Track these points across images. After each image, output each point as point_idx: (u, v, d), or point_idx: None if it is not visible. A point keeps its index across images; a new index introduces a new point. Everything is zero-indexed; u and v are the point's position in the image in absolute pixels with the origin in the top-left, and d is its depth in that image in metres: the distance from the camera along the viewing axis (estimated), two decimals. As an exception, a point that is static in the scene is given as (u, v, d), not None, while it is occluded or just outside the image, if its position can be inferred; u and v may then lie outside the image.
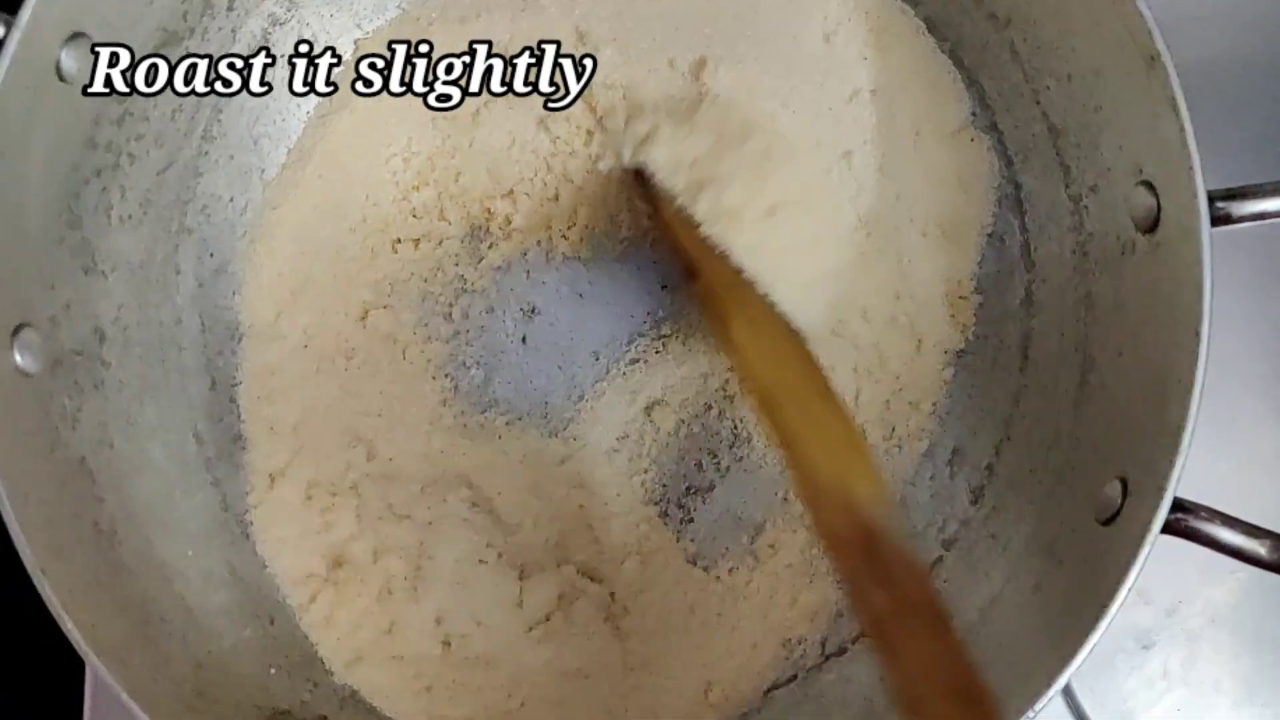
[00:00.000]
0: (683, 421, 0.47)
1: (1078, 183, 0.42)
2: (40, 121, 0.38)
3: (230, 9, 0.44)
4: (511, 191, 0.47)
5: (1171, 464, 0.34)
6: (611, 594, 0.45)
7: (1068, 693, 0.49)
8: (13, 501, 0.35)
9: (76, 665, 0.46)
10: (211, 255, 0.46)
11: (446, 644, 0.44)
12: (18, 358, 0.37)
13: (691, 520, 0.46)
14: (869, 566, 0.33)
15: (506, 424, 0.47)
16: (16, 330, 0.37)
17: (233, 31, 0.45)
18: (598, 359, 0.47)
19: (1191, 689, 0.49)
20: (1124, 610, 0.49)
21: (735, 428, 0.47)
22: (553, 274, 0.48)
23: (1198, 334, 0.35)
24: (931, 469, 0.46)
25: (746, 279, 0.42)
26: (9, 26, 0.36)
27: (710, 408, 0.47)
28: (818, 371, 0.39)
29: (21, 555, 0.35)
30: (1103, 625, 0.34)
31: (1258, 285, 0.47)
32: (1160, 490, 0.35)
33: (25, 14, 0.36)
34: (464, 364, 0.48)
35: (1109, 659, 0.50)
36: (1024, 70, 0.43)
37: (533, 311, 0.48)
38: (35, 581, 0.35)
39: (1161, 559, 0.50)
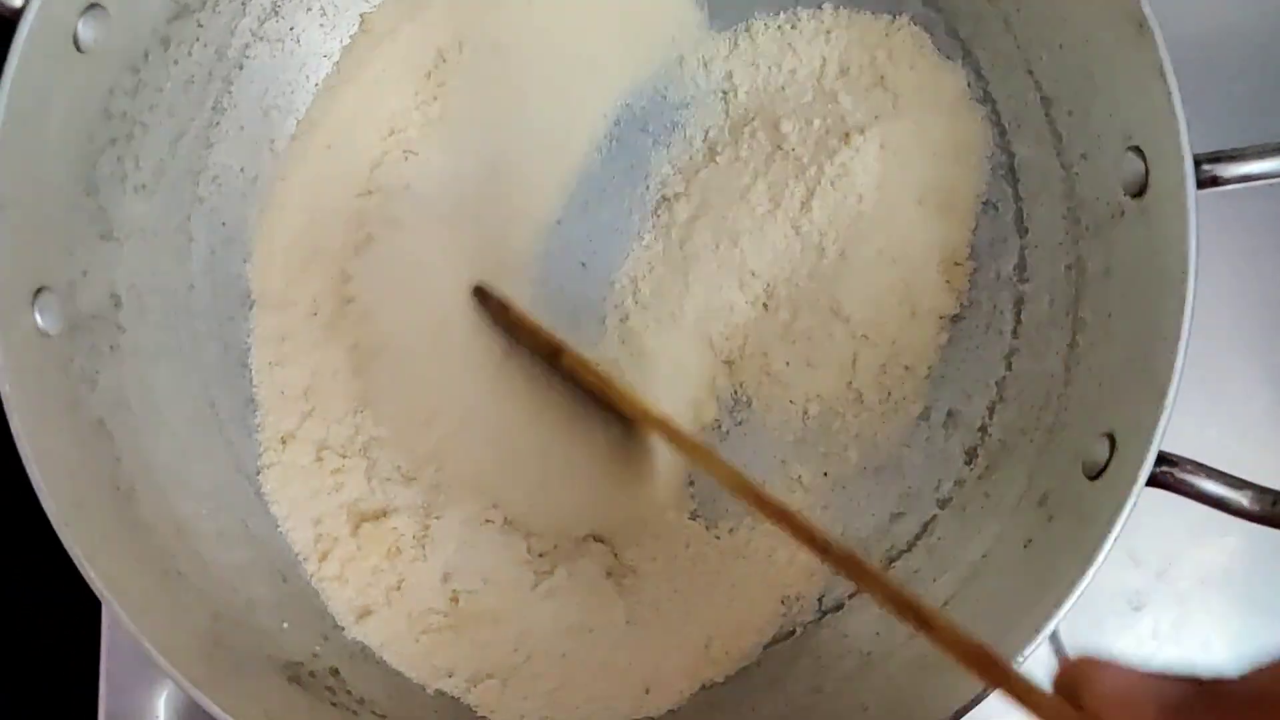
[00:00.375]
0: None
1: (1069, 150, 0.43)
2: (58, 91, 0.39)
3: (241, -19, 0.45)
4: None
5: (1157, 418, 0.36)
6: (614, 552, 0.46)
7: (1059, 653, 0.50)
8: (35, 455, 0.36)
9: (93, 614, 0.48)
10: (223, 224, 0.47)
11: (454, 600, 0.45)
12: (38, 319, 0.39)
13: (692, 481, 0.48)
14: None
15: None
16: (37, 293, 0.39)
17: (243, 4, 0.46)
18: (603, 323, 0.49)
19: (1181, 649, 0.50)
20: (1115, 572, 0.51)
21: (735, 392, 0.48)
22: (555, 242, 0.49)
23: (1184, 293, 0.36)
24: (927, 431, 0.47)
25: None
26: (29, -2, 0.37)
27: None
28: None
29: (45, 507, 0.36)
30: (1089, 574, 0.36)
31: (1244, 247, 0.48)
32: (1146, 444, 0.36)
33: (44, -15, 0.37)
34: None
35: (1100, 620, 0.51)
36: (1016, 40, 0.44)
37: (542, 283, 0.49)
38: (59, 533, 0.36)
39: (1151, 522, 0.51)
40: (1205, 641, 0.50)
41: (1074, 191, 0.43)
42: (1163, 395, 0.36)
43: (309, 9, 0.48)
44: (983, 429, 0.46)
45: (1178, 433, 0.36)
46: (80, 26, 0.39)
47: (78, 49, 0.39)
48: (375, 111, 0.48)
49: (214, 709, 0.36)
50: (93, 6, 0.39)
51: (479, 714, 0.44)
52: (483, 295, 0.47)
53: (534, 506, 0.46)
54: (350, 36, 0.49)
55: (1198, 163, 0.37)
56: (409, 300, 0.47)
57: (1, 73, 0.36)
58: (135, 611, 0.37)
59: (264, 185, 0.48)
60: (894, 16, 0.48)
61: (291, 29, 0.48)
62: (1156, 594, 0.50)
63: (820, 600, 0.46)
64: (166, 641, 0.37)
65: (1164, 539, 0.51)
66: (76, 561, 0.36)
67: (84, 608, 0.48)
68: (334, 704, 0.41)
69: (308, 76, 0.48)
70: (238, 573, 0.43)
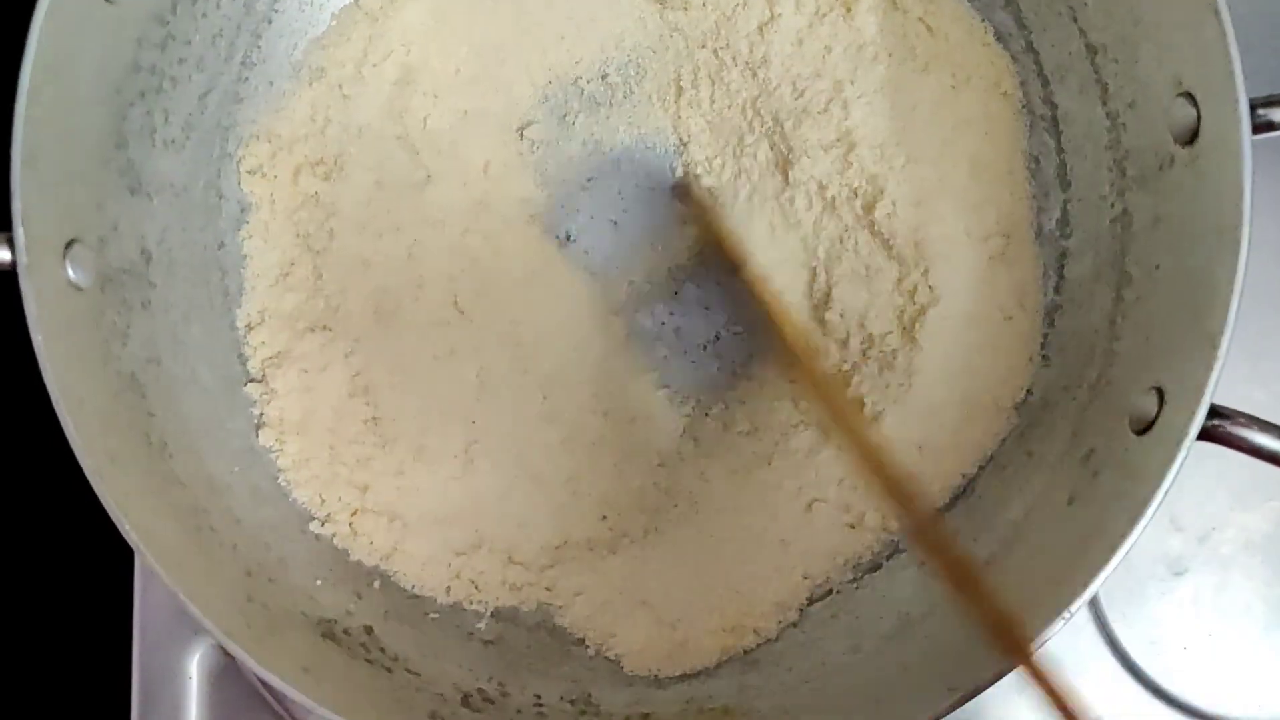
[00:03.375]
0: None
1: (1115, 99, 0.42)
2: (86, 42, 0.38)
3: (270, -67, 0.45)
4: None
5: (1209, 370, 0.35)
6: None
7: (1100, 619, 0.50)
8: (68, 406, 0.36)
9: (125, 574, 0.48)
10: (253, 181, 0.47)
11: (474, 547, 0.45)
12: (70, 272, 0.38)
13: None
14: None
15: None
16: (68, 245, 0.38)
17: (272, -45, 0.45)
18: (630, 284, 0.48)
19: (1222, 615, 0.49)
20: (1156, 537, 0.50)
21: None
22: (587, 200, 0.49)
23: (1237, 242, 0.35)
24: (966, 390, 0.46)
25: None
26: (57, -56, 0.36)
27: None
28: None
29: (78, 457, 0.36)
30: (1138, 529, 0.35)
31: None
32: (1197, 397, 0.35)
33: (74, -68, 0.36)
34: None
35: (1141, 586, 0.50)
36: (1061, -14, 0.43)
37: (567, 238, 0.49)
38: (93, 484, 0.36)
39: (1193, 486, 0.50)
40: (1247, 607, 0.50)
41: (1120, 142, 0.42)
42: (1215, 346, 0.35)
43: (337, -44, 0.47)
44: (1026, 387, 0.45)
45: (1223, 382, 0.35)
46: (109, -25, 0.38)
47: (106, -1, 0.39)
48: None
49: (249, 661, 0.36)
50: (121, -45, 0.39)
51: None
52: (683, 191, 0.46)
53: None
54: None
55: (1253, 107, 0.35)
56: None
57: (30, 22, 0.36)
58: (170, 565, 0.36)
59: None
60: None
61: (321, -20, 0.47)
62: (1198, 559, 0.50)
63: (859, 561, 0.45)
64: (201, 595, 0.36)
65: (1206, 503, 0.50)
66: (111, 513, 0.36)
67: (117, 568, 0.49)
68: (368, 660, 0.41)
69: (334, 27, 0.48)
70: (270, 530, 0.43)
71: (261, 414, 0.45)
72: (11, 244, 0.36)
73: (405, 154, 0.47)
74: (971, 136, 0.46)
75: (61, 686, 0.55)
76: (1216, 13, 0.35)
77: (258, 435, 0.45)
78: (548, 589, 0.45)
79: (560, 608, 0.44)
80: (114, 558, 0.48)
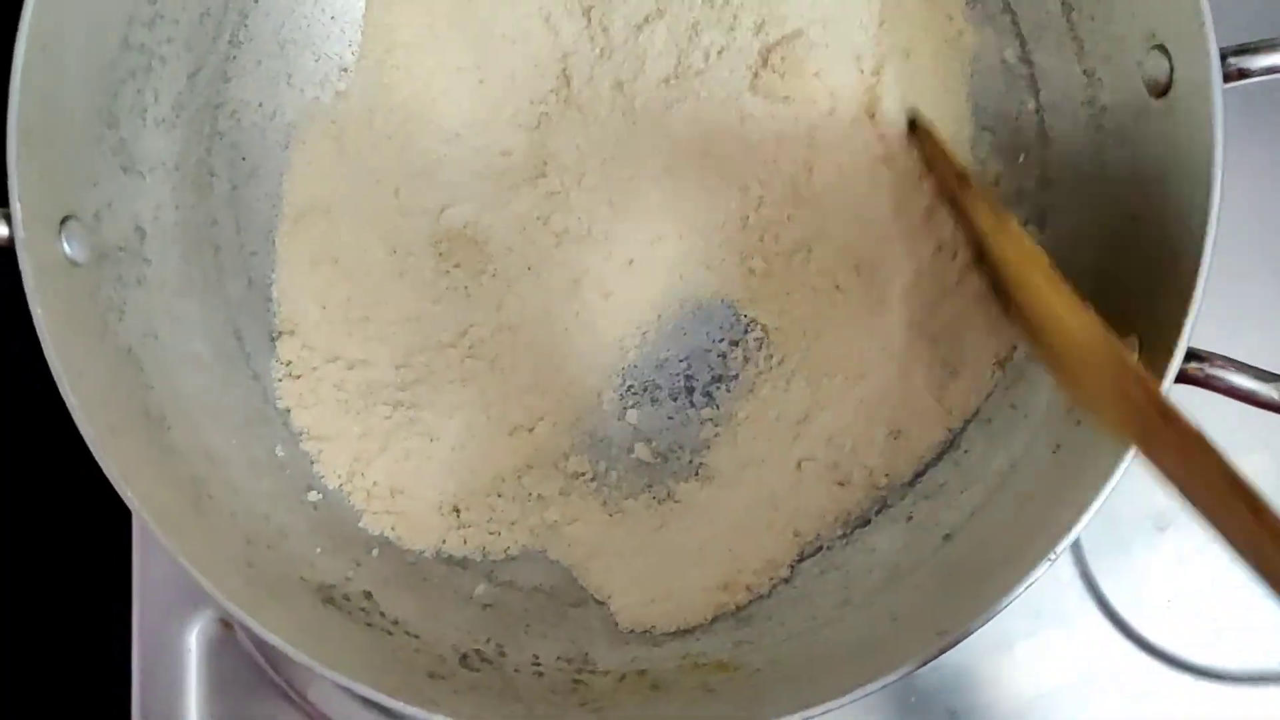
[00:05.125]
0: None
1: (1091, 56, 0.43)
2: (78, 19, 0.39)
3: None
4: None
5: (1185, 312, 0.35)
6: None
7: (1085, 573, 0.50)
8: (69, 378, 0.37)
9: (124, 540, 0.49)
10: (244, 159, 0.48)
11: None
12: (66, 247, 0.39)
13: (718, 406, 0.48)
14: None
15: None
16: (64, 221, 0.39)
17: (257, -66, 0.46)
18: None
19: (1206, 569, 0.50)
20: (1139, 492, 0.50)
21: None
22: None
23: (1210, 188, 0.36)
24: (951, 347, 0.47)
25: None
26: (43, -82, 0.37)
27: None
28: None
29: (80, 427, 0.37)
30: (1121, 468, 0.35)
31: (1273, 140, 0.48)
32: (1175, 339, 0.36)
33: (58, -95, 0.37)
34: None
35: (1126, 541, 0.51)
36: (1036, -55, 0.44)
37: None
38: (95, 453, 0.36)
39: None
40: (1230, 561, 0.50)
41: (1096, 98, 0.43)
42: (1190, 291, 0.36)
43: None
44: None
45: (1201, 326, 0.36)
46: (95, -49, 0.39)
47: (93, -26, 0.39)
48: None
49: (253, 624, 0.36)
50: (106, -70, 0.39)
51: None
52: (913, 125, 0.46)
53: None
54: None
55: (1224, 56, 0.36)
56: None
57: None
58: (171, 531, 0.37)
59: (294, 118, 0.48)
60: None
61: (307, -41, 0.48)
62: (1182, 514, 0.50)
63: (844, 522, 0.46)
64: (202, 561, 0.37)
65: None
66: (113, 481, 0.36)
67: (116, 542, 0.49)
68: (368, 624, 0.42)
69: (322, 9, 0.48)
70: (269, 500, 0.44)
71: (279, 380, 0.46)
72: (9, 219, 0.37)
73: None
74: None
75: (62, 661, 0.56)
76: (1186, -37, 0.36)
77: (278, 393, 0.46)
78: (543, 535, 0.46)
79: (555, 562, 0.45)
80: (112, 532, 0.49)
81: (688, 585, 0.44)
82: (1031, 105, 0.46)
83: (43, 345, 0.36)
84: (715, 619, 0.44)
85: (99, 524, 0.49)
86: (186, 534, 0.38)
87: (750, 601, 0.45)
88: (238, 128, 0.47)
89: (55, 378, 0.36)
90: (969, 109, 0.47)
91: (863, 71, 0.47)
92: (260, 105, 0.48)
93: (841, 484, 0.46)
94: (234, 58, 0.47)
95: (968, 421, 0.46)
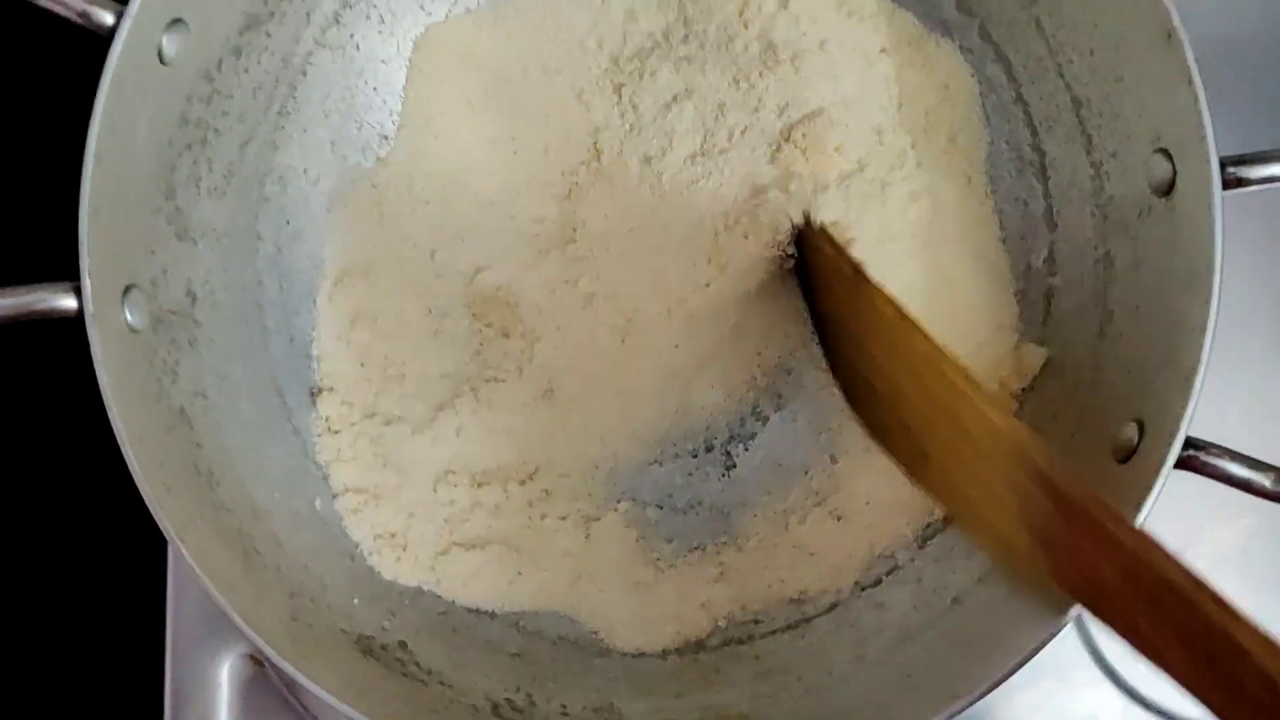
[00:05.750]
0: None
1: (1099, 150, 0.45)
2: (143, 102, 0.41)
3: (306, -8, 0.48)
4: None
5: (1185, 406, 0.38)
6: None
7: (1082, 629, 0.53)
8: (131, 442, 0.38)
9: (159, 575, 0.51)
10: (288, 223, 0.50)
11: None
12: (128, 315, 0.41)
13: (734, 466, 0.50)
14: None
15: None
16: (126, 290, 0.41)
17: (307, 15, 0.48)
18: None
19: (1201, 625, 0.52)
20: (1138, 552, 0.53)
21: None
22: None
23: (1209, 288, 0.38)
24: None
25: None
26: (120, 16, 0.39)
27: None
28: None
29: (140, 489, 0.38)
30: (1120, 551, 0.38)
31: (1269, 243, 0.50)
32: (1174, 429, 0.38)
33: (135, 3, 0.39)
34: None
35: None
36: (1049, 44, 0.46)
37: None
38: (154, 513, 0.38)
39: (1170, 504, 0.53)
40: (1223, 617, 0.53)
41: (1103, 189, 0.45)
42: (1189, 384, 0.38)
43: (368, 17, 0.50)
44: (1015, 414, 0.48)
45: (1198, 413, 0.38)
46: (164, 41, 0.41)
47: (161, 61, 0.41)
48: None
49: (300, 677, 0.39)
50: (176, 22, 0.41)
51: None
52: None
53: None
54: (411, 41, 0.51)
55: (1223, 165, 0.39)
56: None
57: (96, 87, 0.39)
58: (223, 588, 0.39)
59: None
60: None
61: (351, 36, 0.50)
62: (1176, 572, 0.53)
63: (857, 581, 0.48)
64: (253, 616, 0.39)
65: (1182, 520, 0.52)
66: (170, 540, 0.38)
67: (150, 578, 0.51)
68: (404, 674, 0.44)
69: (365, 80, 0.51)
70: (310, 553, 0.46)
71: (319, 435, 0.49)
72: (79, 293, 0.39)
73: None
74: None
75: (95, 695, 0.58)
76: (1190, 80, 0.39)
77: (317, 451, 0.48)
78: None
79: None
80: (147, 567, 0.51)
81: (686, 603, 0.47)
82: (1041, 190, 0.48)
83: (109, 412, 0.38)
84: (734, 670, 0.46)
85: (135, 560, 0.51)
86: (238, 590, 0.40)
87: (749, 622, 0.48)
88: (283, 193, 0.49)
89: (120, 442, 0.38)
90: (986, 187, 0.50)
91: (883, 145, 0.49)
92: (305, 171, 0.50)
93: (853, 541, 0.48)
94: (282, 127, 0.49)
95: (975, 489, 0.48)
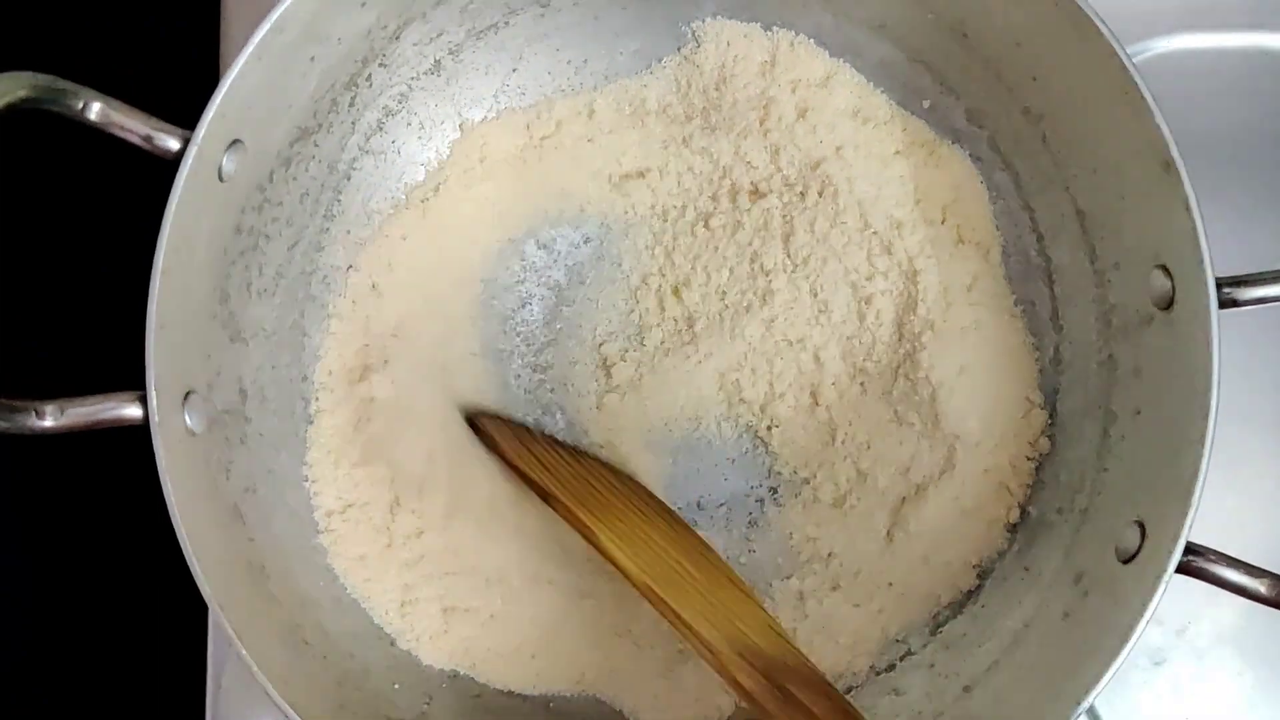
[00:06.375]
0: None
1: (1102, 260, 0.47)
2: (204, 218, 0.44)
3: (351, 105, 0.50)
4: None
5: (1184, 516, 0.40)
6: None
7: (1094, 716, 0.55)
8: (193, 545, 0.41)
9: (199, 644, 0.53)
10: (330, 319, 0.52)
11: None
12: (187, 420, 0.43)
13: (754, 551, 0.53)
14: (787, 704, 0.40)
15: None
16: (186, 396, 0.43)
17: (353, 124, 0.51)
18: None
19: (1200, 703, 0.54)
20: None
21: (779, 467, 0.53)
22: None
23: (1207, 403, 0.40)
24: (970, 505, 0.51)
25: (601, 486, 0.48)
26: (185, 141, 0.42)
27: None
28: (691, 544, 0.45)
29: (203, 592, 0.41)
30: (1123, 654, 0.40)
31: (1264, 357, 0.53)
32: (1174, 538, 0.40)
33: (201, 130, 0.42)
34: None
35: (1124, 675, 0.53)
36: (1054, 159, 0.49)
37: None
38: (216, 614, 0.41)
39: (1173, 585, 0.56)
40: (1222, 696, 0.55)
41: (1106, 297, 0.48)
42: (1189, 496, 0.40)
43: (409, 124, 0.53)
44: (1022, 507, 0.50)
45: (1198, 514, 0.40)
46: (224, 161, 0.44)
47: (220, 179, 0.44)
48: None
49: (350, 767, 0.41)
50: (235, 143, 0.44)
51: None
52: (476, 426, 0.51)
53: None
54: (448, 145, 0.54)
55: (1220, 285, 0.41)
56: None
57: (163, 210, 0.41)
58: (278, 682, 0.41)
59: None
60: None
61: (393, 142, 0.53)
62: (1177, 650, 0.55)
63: (873, 664, 0.50)
64: (304, 708, 0.41)
65: (1184, 598, 0.54)
66: (231, 641, 0.41)
67: (191, 647, 0.53)
68: (444, 757, 0.46)
69: (405, 182, 0.53)
70: (353, 639, 0.48)
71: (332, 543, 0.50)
72: (144, 402, 0.41)
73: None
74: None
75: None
76: (1188, 208, 0.41)
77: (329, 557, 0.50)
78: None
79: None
80: (187, 637, 0.53)
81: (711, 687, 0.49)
82: (1047, 294, 0.51)
83: (173, 520, 0.40)
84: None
85: (174, 633, 0.53)
86: (289, 683, 0.42)
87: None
88: (327, 290, 0.52)
89: (184, 550, 0.41)
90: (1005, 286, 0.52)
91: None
92: (349, 269, 0.52)
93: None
94: (327, 229, 0.51)
95: (985, 577, 0.50)
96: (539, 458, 0.50)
